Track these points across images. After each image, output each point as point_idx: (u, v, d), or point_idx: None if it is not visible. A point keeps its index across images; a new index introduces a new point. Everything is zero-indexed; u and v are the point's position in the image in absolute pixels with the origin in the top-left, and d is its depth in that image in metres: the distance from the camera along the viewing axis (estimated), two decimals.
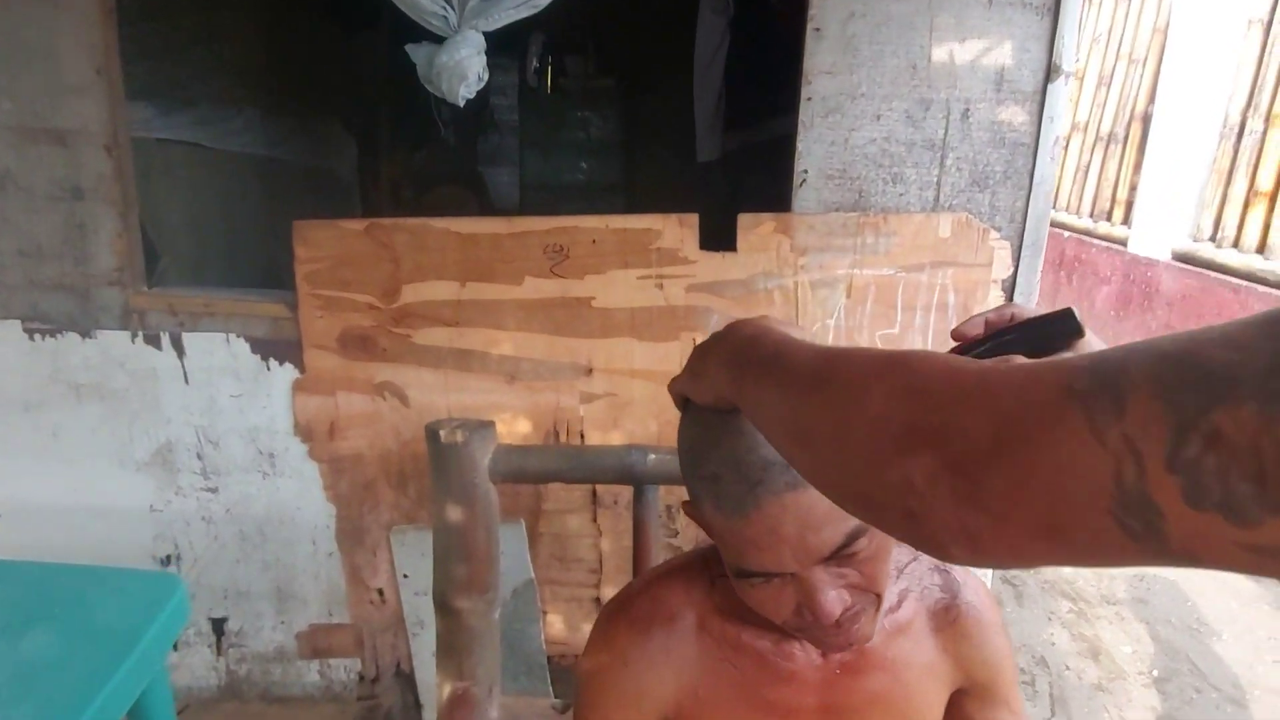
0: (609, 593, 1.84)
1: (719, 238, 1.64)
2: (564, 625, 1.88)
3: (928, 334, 1.67)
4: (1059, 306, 0.70)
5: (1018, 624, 3.00)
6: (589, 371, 1.71)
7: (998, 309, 0.75)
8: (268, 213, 2.43)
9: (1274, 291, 3.77)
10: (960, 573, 0.94)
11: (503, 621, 1.89)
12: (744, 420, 0.70)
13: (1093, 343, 0.69)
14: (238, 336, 1.70)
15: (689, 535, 1.80)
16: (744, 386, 0.62)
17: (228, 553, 1.84)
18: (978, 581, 0.95)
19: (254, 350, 1.71)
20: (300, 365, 1.71)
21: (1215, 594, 3.32)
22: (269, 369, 1.72)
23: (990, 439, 0.40)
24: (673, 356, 1.69)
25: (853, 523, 0.73)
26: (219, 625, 1.90)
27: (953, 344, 0.76)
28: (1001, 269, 1.63)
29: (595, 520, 1.80)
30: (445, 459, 1.45)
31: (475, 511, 1.48)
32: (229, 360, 1.71)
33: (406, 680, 1.93)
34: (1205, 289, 4.32)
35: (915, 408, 0.44)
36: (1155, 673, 2.65)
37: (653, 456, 1.48)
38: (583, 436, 1.74)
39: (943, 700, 0.94)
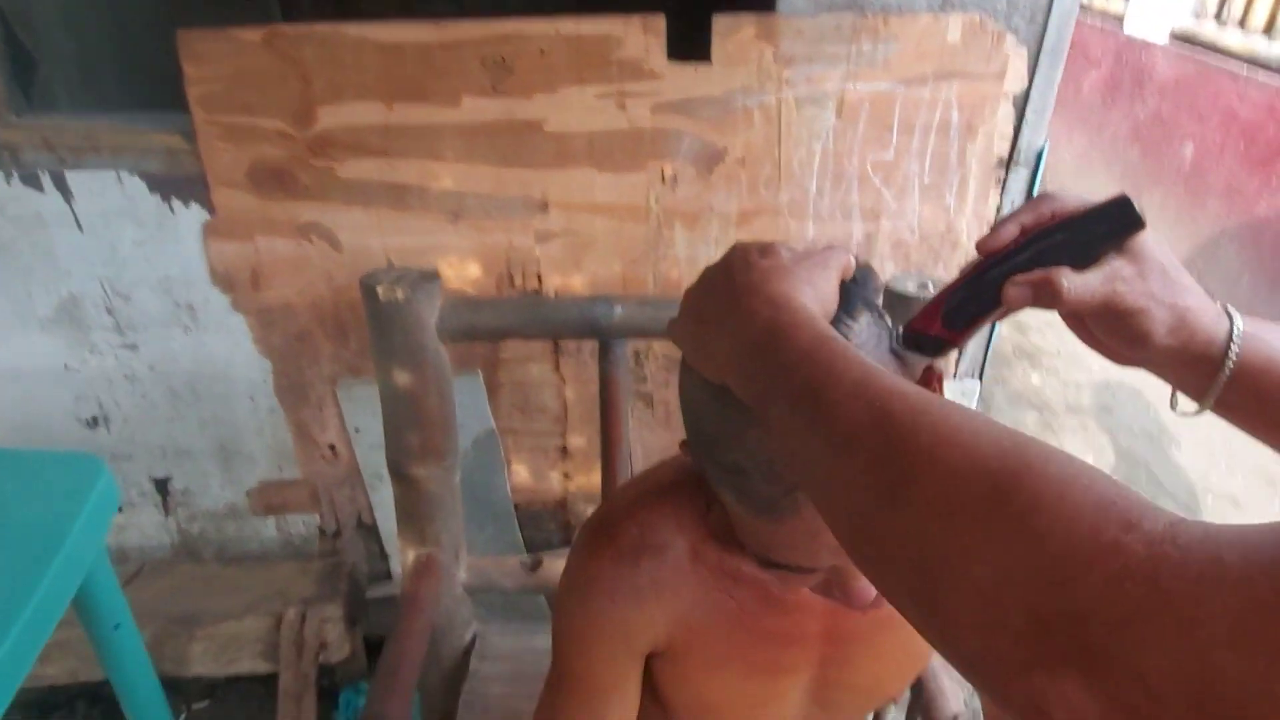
0: (575, 442, 1.74)
1: (690, 45, 1.38)
2: (530, 474, 1.79)
3: (925, 159, 1.47)
4: (1109, 196, 0.56)
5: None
6: (544, 207, 1.50)
7: (1032, 205, 0.59)
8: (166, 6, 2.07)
9: (1275, 80, 3.54)
10: None
11: (465, 472, 1.80)
12: None
13: (1148, 237, 0.55)
14: (130, 174, 1.45)
15: (659, 381, 1.69)
16: (768, 408, 0.47)
17: (159, 411, 1.69)
18: None
19: (152, 189, 1.47)
20: (209, 206, 1.48)
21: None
22: (173, 211, 1.49)
23: (1181, 676, 0.25)
24: (638, 188, 1.49)
25: None
26: (162, 485, 1.78)
27: (979, 258, 0.60)
28: (1015, 81, 1.42)
29: (558, 369, 1.67)
30: (386, 318, 1.28)
31: (425, 374, 1.33)
32: (124, 202, 1.47)
33: (369, 532, 1.86)
34: (1202, 75, 4.07)
35: (1047, 591, 0.29)
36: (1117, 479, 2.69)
37: (619, 309, 1.33)
38: (540, 280, 1.57)
39: None
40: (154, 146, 1.43)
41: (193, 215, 1.49)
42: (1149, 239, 0.56)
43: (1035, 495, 0.32)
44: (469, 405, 1.70)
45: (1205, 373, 0.56)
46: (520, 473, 1.79)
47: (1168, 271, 0.55)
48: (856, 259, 0.62)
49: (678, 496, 0.77)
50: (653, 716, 0.90)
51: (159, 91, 1.45)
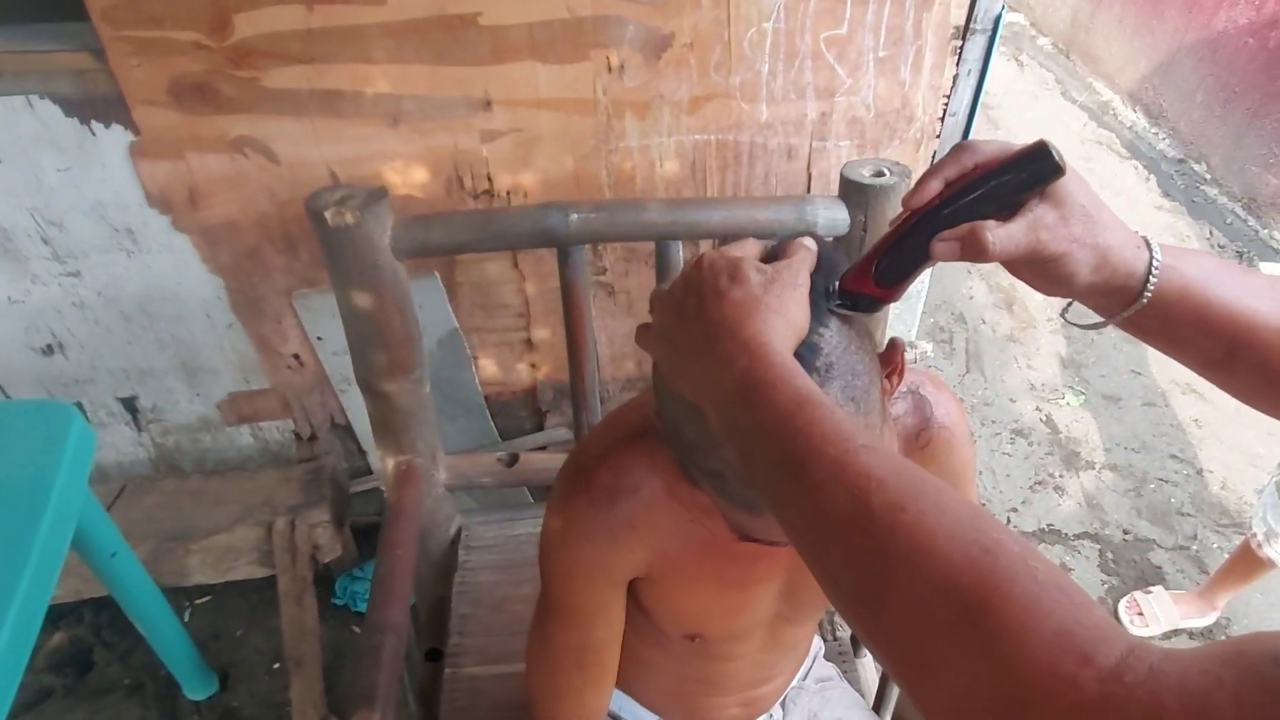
0: (540, 334, 1.76)
1: None
2: (497, 367, 1.82)
3: (880, 31, 1.42)
4: (1028, 145, 0.57)
5: (940, 280, 3.08)
6: (487, 105, 1.44)
7: (954, 157, 0.59)
8: None
9: None
10: (932, 389, 0.87)
11: (433, 370, 1.82)
12: None
13: (1069, 180, 0.57)
14: (41, 98, 1.36)
15: (619, 271, 1.69)
16: (751, 464, 0.48)
17: (114, 335, 1.67)
18: (948, 394, 0.88)
19: (68, 113, 1.38)
20: (132, 126, 1.40)
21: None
22: (94, 134, 1.40)
23: None
24: (584, 79, 1.43)
25: None
26: (130, 404, 1.79)
27: (902, 213, 0.61)
28: None
29: (516, 265, 1.66)
30: (338, 243, 1.25)
31: (383, 294, 1.32)
32: (40, 128, 1.38)
33: (345, 431, 1.90)
34: None
35: (1011, 712, 0.33)
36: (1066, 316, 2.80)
37: (575, 216, 1.31)
38: (490, 180, 1.53)
39: None
40: (62, 67, 1.33)
41: (116, 137, 1.41)
42: (1070, 183, 0.57)
43: (1000, 620, 0.35)
44: (430, 307, 1.70)
45: (1123, 300, 0.59)
46: (488, 367, 1.82)
47: (1089, 213, 0.57)
48: (819, 241, 0.63)
49: (649, 440, 0.80)
50: (642, 626, 0.98)
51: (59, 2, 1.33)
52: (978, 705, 0.35)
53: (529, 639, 0.94)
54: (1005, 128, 4.05)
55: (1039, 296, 3.01)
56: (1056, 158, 0.55)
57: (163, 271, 1.58)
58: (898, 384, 0.70)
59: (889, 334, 1.90)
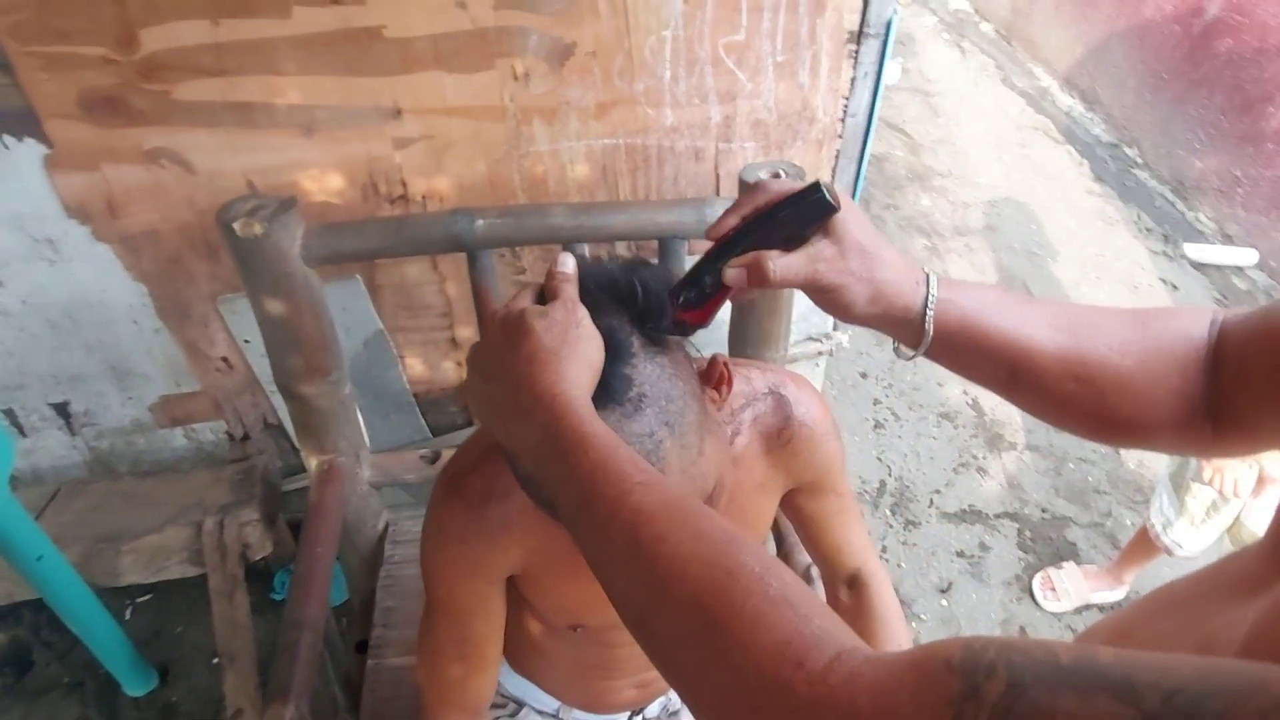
0: (464, 334, 1.81)
1: None
2: (424, 366, 1.87)
3: (776, 37, 1.48)
4: (805, 184, 0.64)
5: None
6: (397, 113, 1.48)
7: (750, 196, 0.66)
8: None
9: None
10: (793, 389, 0.93)
11: (360, 370, 1.87)
12: None
13: (848, 219, 0.63)
14: None
15: (538, 271, 1.74)
16: (558, 506, 0.55)
17: (41, 342, 1.69)
18: (809, 393, 0.94)
19: None
20: (45, 139, 1.42)
21: (1057, 213, 3.52)
22: (6, 148, 1.42)
23: None
24: (491, 87, 1.47)
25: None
26: (62, 409, 1.81)
27: (708, 244, 0.68)
28: None
29: (436, 267, 1.70)
30: (248, 253, 1.30)
31: (296, 300, 1.36)
32: None
33: (278, 431, 1.94)
34: None
35: (750, 716, 0.40)
36: None
37: (480, 221, 1.36)
38: (405, 185, 1.57)
39: (773, 508, 0.99)
40: None
41: (29, 149, 1.43)
42: (851, 223, 0.63)
43: (735, 636, 0.42)
44: (354, 309, 1.74)
45: (912, 332, 0.66)
46: (414, 365, 1.87)
47: (866, 250, 0.63)
48: (579, 259, 0.68)
49: None
50: (527, 620, 1.05)
51: None
52: (726, 710, 0.42)
53: (419, 633, 1.00)
54: (945, 114, 4.14)
55: (972, 278, 3.11)
56: (829, 196, 0.61)
57: (86, 279, 1.61)
58: (728, 393, 0.76)
59: (804, 325, 1.97)
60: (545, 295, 0.65)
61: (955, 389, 2.72)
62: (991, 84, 4.46)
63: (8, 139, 1.42)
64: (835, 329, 2.01)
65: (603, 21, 1.42)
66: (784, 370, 0.97)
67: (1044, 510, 2.38)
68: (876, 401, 2.68)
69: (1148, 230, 3.44)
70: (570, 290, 0.64)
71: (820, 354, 2.01)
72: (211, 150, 1.47)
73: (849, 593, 1.05)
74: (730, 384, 0.75)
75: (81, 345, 1.71)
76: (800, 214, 0.62)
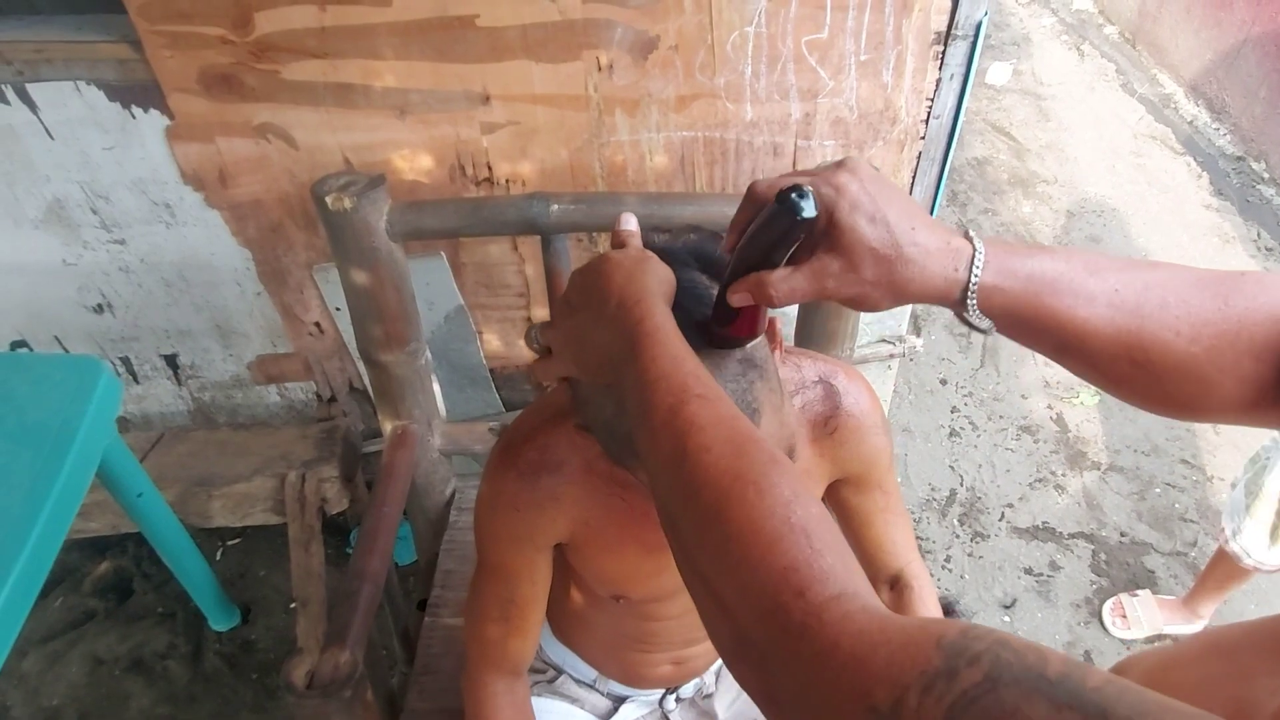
0: (539, 313, 1.87)
1: None
2: (500, 342, 1.94)
3: (860, 36, 1.47)
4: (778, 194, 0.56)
5: None
6: (485, 99, 1.54)
7: (746, 199, 0.62)
8: None
9: None
10: (844, 379, 0.94)
11: (441, 343, 1.96)
12: None
13: (857, 218, 0.57)
14: (88, 84, 1.51)
15: None
16: (630, 417, 0.56)
17: (156, 298, 1.84)
18: (860, 385, 0.95)
19: (111, 98, 1.53)
20: (167, 111, 1.55)
21: (1170, 227, 3.35)
22: (134, 117, 1.56)
23: (797, 700, 0.41)
24: (576, 77, 1.51)
25: None
26: (171, 360, 1.97)
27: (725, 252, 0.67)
28: None
29: (516, 248, 1.77)
30: (338, 225, 1.39)
31: (380, 273, 1.45)
32: (87, 111, 1.54)
33: (361, 395, 2.05)
34: None
35: (745, 615, 0.44)
36: None
37: (555, 207, 1.41)
38: (490, 169, 1.63)
39: (818, 494, 1.00)
40: (104, 56, 1.48)
41: (153, 120, 1.56)
42: (860, 221, 0.57)
43: (748, 551, 0.44)
44: (438, 284, 1.82)
45: (959, 306, 0.59)
46: (491, 341, 1.94)
47: (879, 252, 0.57)
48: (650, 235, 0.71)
49: (572, 421, 0.90)
50: (572, 588, 1.10)
51: None
52: (732, 615, 0.45)
53: (468, 593, 1.06)
54: (1056, 119, 3.98)
55: None
56: (799, 205, 0.54)
57: (197, 242, 1.74)
58: (779, 354, 0.76)
59: (877, 326, 1.95)
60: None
61: (1039, 402, 2.63)
62: (1110, 89, 4.25)
63: (135, 109, 1.55)
64: (910, 332, 1.99)
65: (687, 16, 1.44)
66: (836, 361, 0.98)
67: (1123, 534, 2.29)
68: (954, 409, 2.62)
69: (1268, 250, 3.24)
70: (636, 242, 0.67)
71: (892, 356, 1.99)
72: (313, 127, 1.57)
73: (890, 594, 1.05)
74: (780, 346, 0.76)
75: (191, 303, 1.86)
76: (776, 229, 0.56)
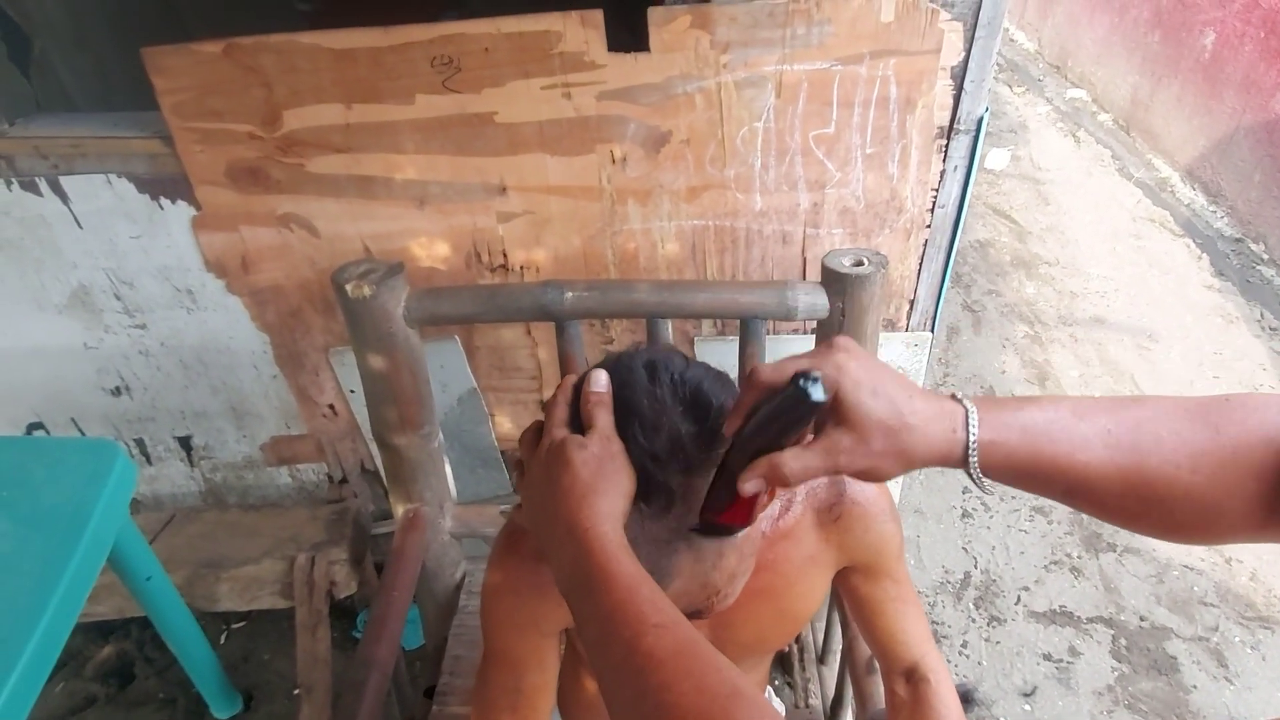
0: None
1: (628, 36, 1.43)
2: (512, 425, 1.95)
3: (866, 131, 1.52)
4: (789, 381, 0.58)
5: (971, 354, 3.11)
6: (502, 190, 1.60)
7: (747, 385, 0.63)
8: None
9: None
10: None
11: (453, 425, 1.97)
12: None
13: (861, 396, 0.59)
14: (119, 176, 1.57)
15: (624, 342, 1.81)
16: (582, 637, 0.58)
17: (174, 380, 1.87)
18: None
19: (140, 190, 1.59)
20: (194, 202, 1.60)
21: (1172, 308, 3.38)
22: (161, 208, 1.61)
23: None
24: (590, 170, 1.57)
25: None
26: (185, 442, 1.98)
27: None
28: (952, 55, 1.45)
29: (529, 333, 1.80)
30: (357, 311, 1.41)
31: (396, 358, 1.47)
32: (117, 202, 1.60)
33: (373, 476, 2.05)
34: None
35: None
36: (1097, 394, 2.79)
37: (569, 294, 1.44)
38: (506, 256, 1.68)
39: (825, 583, 1.00)
40: (137, 151, 1.54)
41: (180, 211, 1.61)
42: (865, 399, 0.60)
43: None
44: (451, 367, 1.85)
45: (964, 464, 0.62)
46: (503, 423, 1.95)
47: (887, 425, 0.59)
48: (621, 370, 0.70)
49: None
50: (581, 673, 1.08)
51: (139, 94, 1.54)
52: None
53: (475, 682, 1.05)
54: (1055, 203, 4.06)
55: (1073, 373, 3.02)
56: (809, 391, 0.57)
57: (217, 326, 1.78)
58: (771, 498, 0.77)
59: None
60: (580, 414, 0.67)
61: None
62: (1107, 174, 4.35)
63: (163, 200, 1.60)
64: None
65: (698, 113, 1.50)
66: None
67: (1142, 619, 2.25)
68: (965, 490, 2.61)
69: (1272, 330, 3.26)
70: (604, 418, 0.66)
71: None
72: (334, 217, 1.62)
73: (906, 686, 1.04)
74: (773, 494, 0.76)
75: (208, 386, 1.88)
76: (790, 414, 0.59)
